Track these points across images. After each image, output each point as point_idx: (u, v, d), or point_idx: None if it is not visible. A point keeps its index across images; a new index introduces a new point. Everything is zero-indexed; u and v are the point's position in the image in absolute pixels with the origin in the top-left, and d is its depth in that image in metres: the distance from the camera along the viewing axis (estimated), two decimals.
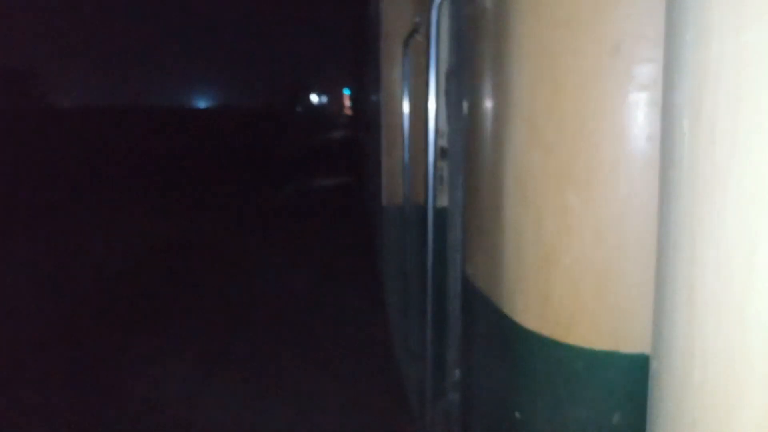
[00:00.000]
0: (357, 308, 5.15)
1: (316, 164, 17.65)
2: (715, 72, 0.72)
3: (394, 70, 3.51)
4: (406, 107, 3.18)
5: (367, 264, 6.15)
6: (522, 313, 1.37)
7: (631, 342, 1.19)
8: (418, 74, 2.84)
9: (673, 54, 0.82)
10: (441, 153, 2.54)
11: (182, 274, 6.44)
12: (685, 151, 0.78)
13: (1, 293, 5.80)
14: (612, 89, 1.14)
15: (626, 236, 1.18)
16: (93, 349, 4.43)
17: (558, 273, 1.26)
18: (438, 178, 2.55)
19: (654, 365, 0.91)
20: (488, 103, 1.56)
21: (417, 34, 2.87)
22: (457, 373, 2.28)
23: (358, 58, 9.33)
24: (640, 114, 1.12)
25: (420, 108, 2.58)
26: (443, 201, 2.49)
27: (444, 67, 2.35)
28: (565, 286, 1.25)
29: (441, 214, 2.39)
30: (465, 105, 1.90)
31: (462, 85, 2.01)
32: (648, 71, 1.10)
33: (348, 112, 27.88)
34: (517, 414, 1.42)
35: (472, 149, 1.80)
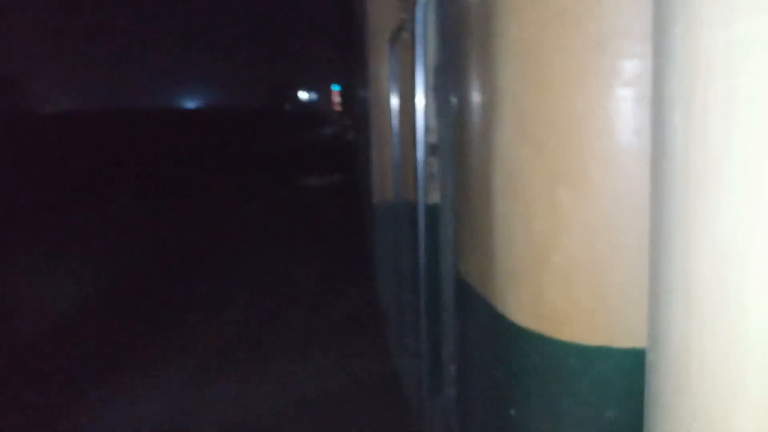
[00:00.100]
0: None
1: (309, 162, 17.62)
2: (705, 64, 0.71)
3: (382, 67, 3.51)
4: (394, 104, 3.18)
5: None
6: (515, 310, 1.37)
7: (624, 337, 1.19)
8: (406, 71, 2.84)
9: (662, 47, 0.81)
10: (431, 149, 2.54)
11: (182, 275, 6.43)
12: (677, 145, 0.77)
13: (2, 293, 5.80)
14: (598, 85, 1.14)
15: (617, 231, 1.18)
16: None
17: (549, 270, 1.26)
18: (429, 174, 2.55)
19: (650, 358, 0.91)
20: (476, 100, 1.56)
21: (403, 31, 2.86)
22: (453, 369, 2.29)
23: (346, 54, 9.30)
24: (627, 109, 1.12)
25: (409, 105, 2.57)
26: (435, 198, 2.49)
27: (431, 64, 2.34)
28: (557, 282, 1.25)
29: (433, 210, 2.39)
30: (453, 101, 1.90)
31: (450, 81, 2.01)
32: (634, 66, 1.10)
33: (338, 108, 27.82)
34: (511, 410, 1.43)
35: (461, 146, 1.80)
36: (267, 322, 4.96)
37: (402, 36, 2.90)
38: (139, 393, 3.76)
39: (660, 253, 0.85)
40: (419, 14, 2.14)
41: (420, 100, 2.30)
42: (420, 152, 2.33)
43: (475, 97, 1.56)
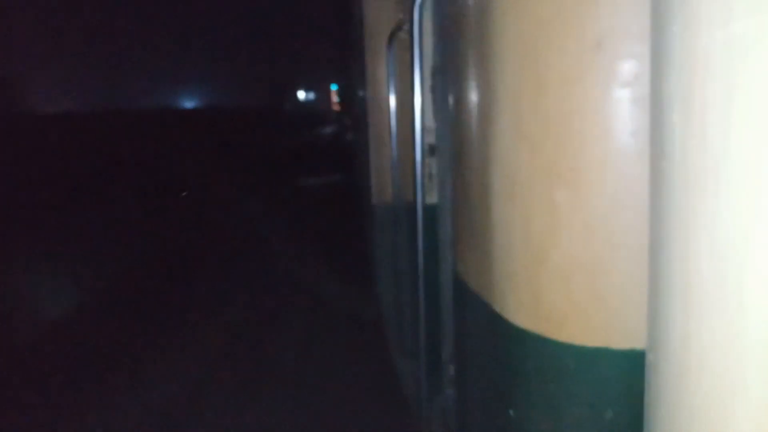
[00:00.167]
0: None
1: (308, 162, 17.60)
2: (703, 63, 0.71)
3: (380, 67, 3.50)
4: (392, 104, 3.17)
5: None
6: (513, 311, 1.37)
7: (622, 338, 1.19)
8: (404, 71, 2.83)
9: (660, 46, 0.81)
10: (429, 150, 2.54)
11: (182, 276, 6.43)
12: (676, 144, 0.77)
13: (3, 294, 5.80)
14: (596, 85, 1.14)
15: (615, 232, 1.18)
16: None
17: (548, 270, 1.26)
18: (427, 175, 2.55)
19: (650, 358, 0.91)
20: (474, 101, 1.55)
21: (401, 31, 2.86)
22: (452, 369, 2.28)
23: (344, 54, 9.30)
24: (624, 109, 1.12)
25: (407, 105, 2.57)
26: (433, 198, 2.49)
27: (429, 64, 2.34)
28: (555, 283, 1.25)
29: (431, 211, 2.39)
30: (451, 101, 1.90)
31: (448, 82, 2.00)
32: (631, 67, 1.09)
33: (336, 108, 27.80)
34: (510, 411, 1.43)
35: (459, 146, 1.80)
36: (267, 322, 4.96)
37: (400, 36, 2.89)
38: (138, 393, 3.77)
39: (659, 252, 0.85)
40: (417, 15, 2.13)
41: (418, 101, 2.30)
42: (418, 152, 2.32)
43: (473, 97, 1.56)
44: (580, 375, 1.25)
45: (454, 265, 2.01)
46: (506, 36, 1.31)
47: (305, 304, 5.34)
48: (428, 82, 2.36)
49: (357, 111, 5.75)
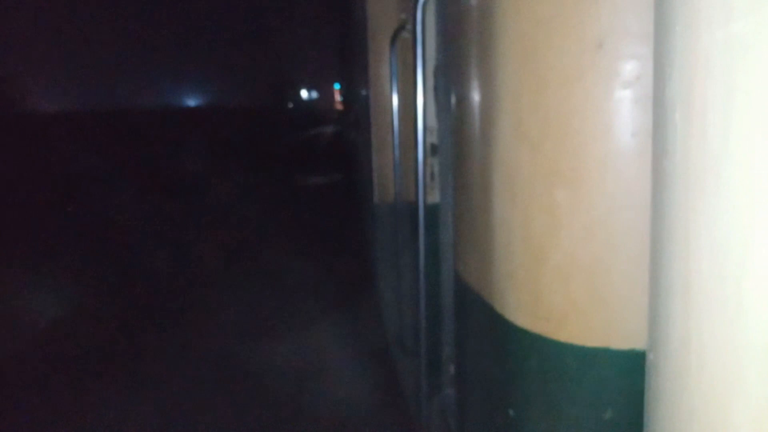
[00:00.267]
0: None
1: (310, 161, 17.61)
2: (705, 63, 0.71)
3: (382, 67, 3.50)
4: (395, 104, 3.18)
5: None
6: (513, 310, 1.37)
7: (622, 338, 1.19)
8: (406, 71, 2.83)
9: (663, 46, 0.81)
10: (431, 149, 2.54)
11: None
12: (677, 143, 0.77)
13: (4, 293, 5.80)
14: (596, 86, 1.14)
15: (615, 232, 1.18)
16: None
17: (548, 271, 1.26)
18: (428, 174, 2.55)
19: (650, 358, 0.91)
20: (475, 101, 1.56)
21: (404, 31, 2.86)
22: (452, 368, 2.29)
23: (347, 54, 9.30)
24: (625, 110, 1.12)
25: (409, 105, 2.57)
26: (434, 198, 2.49)
27: (431, 64, 2.34)
28: (556, 283, 1.25)
29: (432, 210, 2.39)
30: (453, 101, 1.90)
31: (450, 81, 2.00)
32: (632, 67, 1.10)
33: (339, 107, 27.81)
34: (510, 411, 1.43)
35: (460, 146, 1.80)
36: (266, 320, 4.97)
37: (402, 36, 2.89)
38: (139, 391, 3.78)
39: (660, 252, 0.85)
40: (419, 14, 2.13)
41: (420, 100, 2.30)
42: (420, 152, 2.32)
43: (475, 97, 1.56)
44: (580, 375, 1.25)
45: (455, 265, 2.01)
46: (507, 36, 1.32)
47: (306, 302, 5.35)
48: (430, 82, 2.36)
49: (359, 110, 5.75)
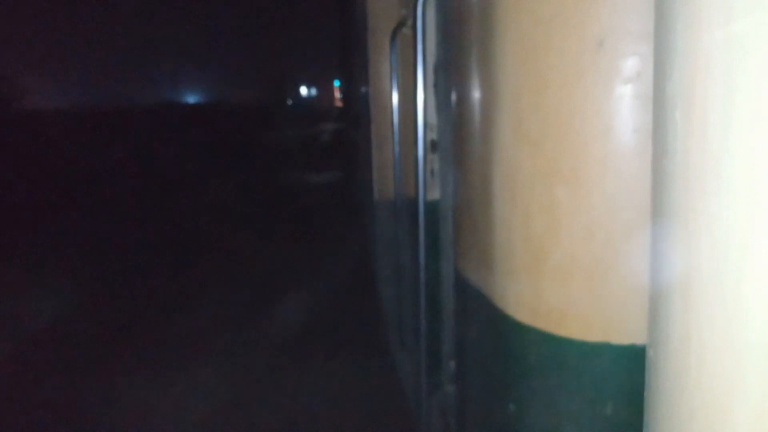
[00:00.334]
0: None
1: (310, 158, 17.60)
2: (705, 62, 0.72)
3: (382, 63, 3.50)
4: (395, 100, 3.18)
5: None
6: (514, 306, 1.38)
7: (622, 334, 1.20)
8: (406, 67, 2.84)
9: (663, 44, 0.82)
10: (431, 146, 2.54)
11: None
12: (678, 142, 0.78)
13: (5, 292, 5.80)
14: (597, 84, 1.14)
15: (615, 229, 1.18)
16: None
17: (548, 267, 1.27)
18: (429, 171, 2.55)
19: (651, 354, 0.91)
20: (475, 99, 1.56)
21: (404, 28, 2.86)
22: (452, 365, 2.29)
23: (346, 50, 9.30)
24: (625, 108, 1.12)
25: (409, 101, 2.57)
26: (435, 194, 2.49)
27: (432, 61, 2.35)
28: (556, 279, 1.26)
29: (432, 207, 2.39)
30: (454, 98, 1.90)
31: (450, 78, 2.01)
32: (633, 65, 1.10)
33: (338, 104, 27.80)
34: (511, 406, 1.44)
35: (461, 143, 1.80)
36: (266, 318, 4.97)
37: (402, 32, 2.89)
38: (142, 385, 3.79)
39: (660, 251, 0.86)
40: (420, 10, 2.14)
41: (420, 97, 2.30)
42: (420, 149, 2.33)
43: (475, 94, 1.56)
44: (581, 370, 1.25)
45: (455, 261, 2.02)
46: (508, 34, 1.32)
47: (305, 299, 5.36)
48: (431, 79, 2.36)
49: (359, 107, 5.75)
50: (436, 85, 2.37)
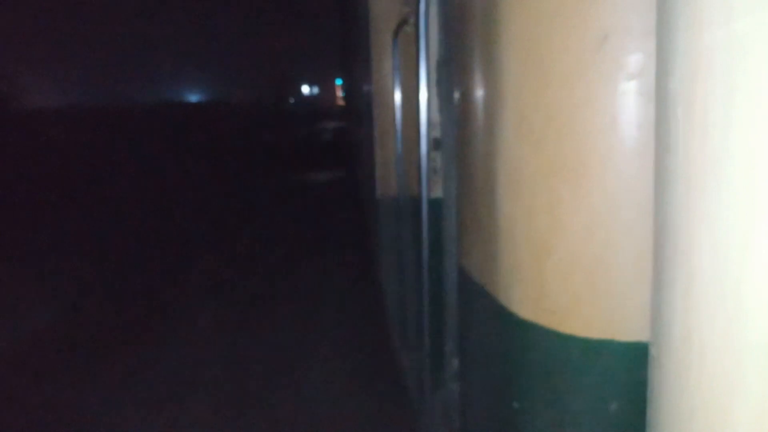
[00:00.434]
0: None
1: (312, 156, 17.59)
2: (706, 60, 0.72)
3: (385, 61, 3.50)
4: (397, 98, 3.18)
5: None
6: (518, 303, 1.38)
7: (626, 330, 1.20)
8: (409, 65, 2.83)
9: (665, 42, 0.82)
10: (434, 144, 2.54)
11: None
12: (679, 139, 0.78)
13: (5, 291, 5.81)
14: (600, 81, 1.14)
15: (618, 226, 1.18)
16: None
17: (552, 264, 1.26)
18: (431, 169, 2.55)
19: (653, 352, 0.91)
20: (478, 96, 1.56)
21: (406, 25, 2.86)
22: (455, 363, 2.29)
23: (349, 49, 9.29)
24: (628, 105, 1.12)
25: (412, 99, 2.57)
26: (438, 192, 2.49)
27: (434, 58, 2.34)
28: (560, 276, 1.26)
29: (435, 205, 2.39)
30: (456, 96, 1.90)
31: (453, 76, 2.00)
32: (636, 62, 1.10)
33: (340, 102, 27.79)
34: (515, 404, 1.43)
35: (464, 141, 1.80)
36: (269, 316, 4.98)
37: (405, 30, 2.89)
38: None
39: (662, 249, 0.86)
40: (422, 8, 2.13)
41: (423, 95, 2.30)
42: (423, 147, 2.33)
43: (478, 91, 1.56)
44: (585, 367, 1.25)
45: (459, 258, 2.02)
46: (510, 30, 1.32)
47: (309, 298, 5.36)
48: (433, 76, 2.36)
49: (362, 105, 5.74)
50: (438, 83, 2.37)
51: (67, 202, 10.64)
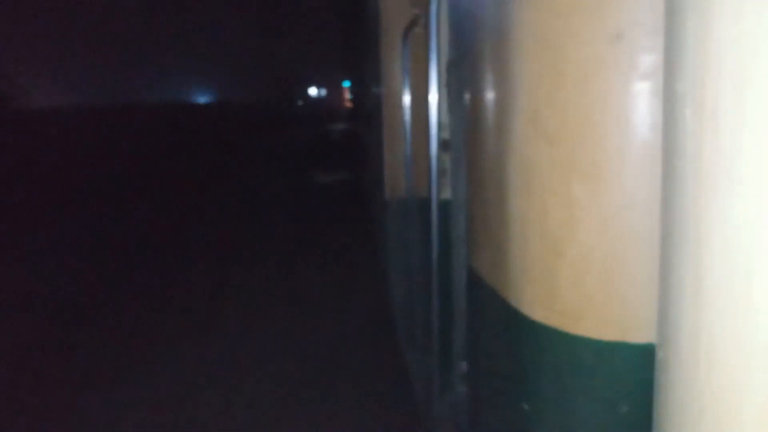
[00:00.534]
0: None
1: (320, 158, 17.63)
2: (716, 60, 0.71)
3: (395, 62, 3.50)
4: (407, 100, 3.18)
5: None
6: (529, 304, 1.37)
7: (637, 332, 1.19)
8: (419, 66, 2.83)
9: (674, 42, 0.81)
10: (443, 145, 2.54)
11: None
12: (688, 140, 0.77)
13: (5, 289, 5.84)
14: (614, 79, 1.13)
15: (631, 226, 1.17)
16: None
17: (564, 265, 1.26)
18: (441, 170, 2.55)
19: (660, 354, 0.91)
20: (490, 95, 1.55)
21: (416, 26, 2.86)
22: (464, 365, 2.29)
23: (357, 49, 9.31)
24: (642, 103, 1.12)
25: (421, 100, 2.57)
26: (447, 193, 2.49)
27: (444, 59, 2.34)
28: (572, 277, 1.25)
29: (445, 206, 2.39)
30: (466, 96, 1.90)
31: (463, 76, 2.00)
32: (650, 60, 1.09)
33: (348, 104, 27.88)
34: (525, 405, 1.43)
35: (474, 141, 1.80)
36: (273, 320, 4.97)
37: (415, 31, 2.89)
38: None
39: (670, 248, 0.85)
40: (433, 9, 2.13)
41: (433, 96, 2.30)
42: (433, 148, 2.33)
43: (490, 91, 1.56)
44: (596, 369, 1.25)
45: (468, 260, 2.01)
46: (524, 27, 1.31)
47: (316, 301, 5.36)
48: (443, 78, 2.36)
49: (370, 106, 5.75)
50: (448, 84, 2.37)
51: (67, 202, 10.69)
